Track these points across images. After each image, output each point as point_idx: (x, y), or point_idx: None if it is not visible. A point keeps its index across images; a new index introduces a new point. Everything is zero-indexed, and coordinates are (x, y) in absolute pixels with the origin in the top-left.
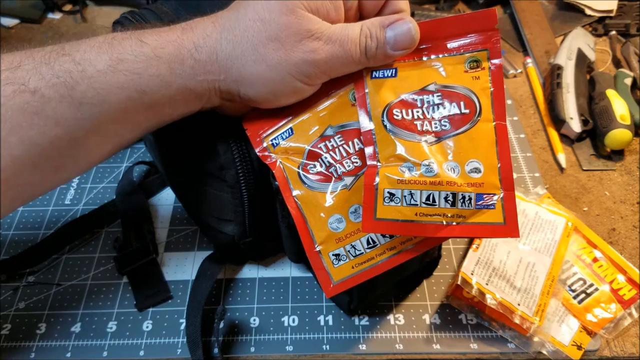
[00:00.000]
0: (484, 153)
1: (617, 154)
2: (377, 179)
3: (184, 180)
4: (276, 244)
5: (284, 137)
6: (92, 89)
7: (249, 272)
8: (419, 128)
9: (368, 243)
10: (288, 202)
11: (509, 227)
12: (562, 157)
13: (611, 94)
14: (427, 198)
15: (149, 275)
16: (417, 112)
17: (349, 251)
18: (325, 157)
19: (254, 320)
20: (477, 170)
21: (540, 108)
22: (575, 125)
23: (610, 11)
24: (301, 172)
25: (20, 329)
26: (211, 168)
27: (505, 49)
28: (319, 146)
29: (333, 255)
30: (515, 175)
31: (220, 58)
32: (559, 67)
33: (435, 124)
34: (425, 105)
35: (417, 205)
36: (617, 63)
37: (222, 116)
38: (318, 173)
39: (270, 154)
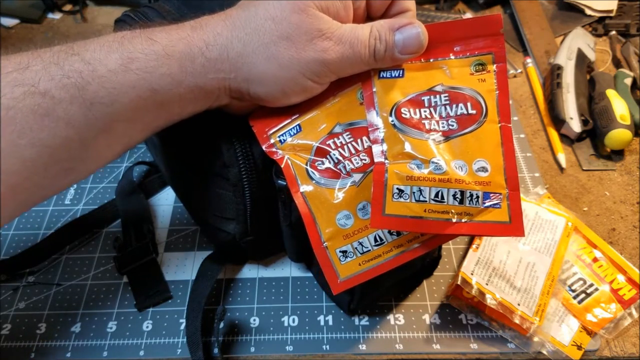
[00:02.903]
0: (490, 153)
1: (617, 154)
2: (387, 175)
3: (186, 179)
4: (277, 243)
5: (292, 133)
6: (103, 88)
7: (249, 272)
8: (427, 127)
9: (375, 240)
10: (295, 198)
11: (514, 226)
12: (562, 157)
13: (611, 94)
14: (436, 195)
15: (149, 275)
16: (425, 111)
17: (356, 248)
18: (334, 154)
19: (254, 320)
20: (484, 169)
21: (540, 108)
22: (575, 125)
23: (610, 11)
24: (309, 168)
25: (20, 329)
26: (214, 166)
27: (506, 49)
28: (327, 143)
29: (340, 251)
30: None
31: (231, 56)
32: (559, 67)
33: (443, 123)
34: (433, 105)
35: (426, 201)
36: (617, 63)
37: (226, 115)
38: (326, 169)
39: (277, 150)
